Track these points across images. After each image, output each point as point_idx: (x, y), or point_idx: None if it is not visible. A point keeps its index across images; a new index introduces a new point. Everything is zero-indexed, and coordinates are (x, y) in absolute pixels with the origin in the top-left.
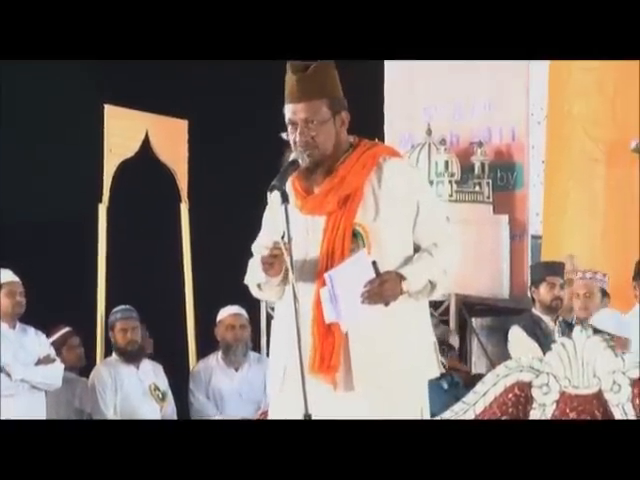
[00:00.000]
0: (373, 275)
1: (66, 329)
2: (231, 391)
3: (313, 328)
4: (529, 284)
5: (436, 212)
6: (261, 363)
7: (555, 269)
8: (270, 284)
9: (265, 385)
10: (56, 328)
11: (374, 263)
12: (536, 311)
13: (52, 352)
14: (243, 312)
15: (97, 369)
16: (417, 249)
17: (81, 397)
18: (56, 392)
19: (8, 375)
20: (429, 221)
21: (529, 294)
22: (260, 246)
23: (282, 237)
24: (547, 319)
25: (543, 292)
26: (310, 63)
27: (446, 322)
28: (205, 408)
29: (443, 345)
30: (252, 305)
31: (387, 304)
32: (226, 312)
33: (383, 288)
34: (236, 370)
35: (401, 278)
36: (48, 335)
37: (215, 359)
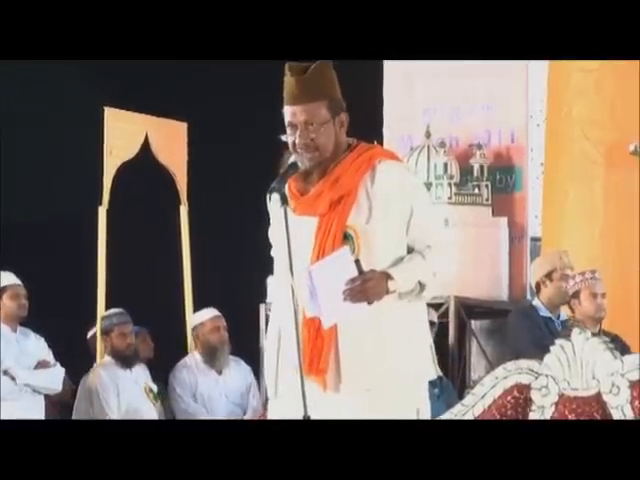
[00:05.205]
0: (356, 272)
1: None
2: (218, 394)
3: (303, 330)
4: (530, 287)
5: (430, 215)
6: (240, 366)
7: None
8: None
9: (248, 388)
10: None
11: (357, 261)
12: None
13: (50, 357)
14: (220, 313)
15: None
16: (411, 252)
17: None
18: None
19: (12, 379)
20: (423, 224)
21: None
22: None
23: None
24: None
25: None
26: (308, 64)
27: (445, 324)
28: (198, 412)
29: None
30: (250, 306)
31: (370, 303)
32: (206, 315)
33: (366, 286)
34: (219, 373)
35: (388, 277)
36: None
37: (194, 363)
